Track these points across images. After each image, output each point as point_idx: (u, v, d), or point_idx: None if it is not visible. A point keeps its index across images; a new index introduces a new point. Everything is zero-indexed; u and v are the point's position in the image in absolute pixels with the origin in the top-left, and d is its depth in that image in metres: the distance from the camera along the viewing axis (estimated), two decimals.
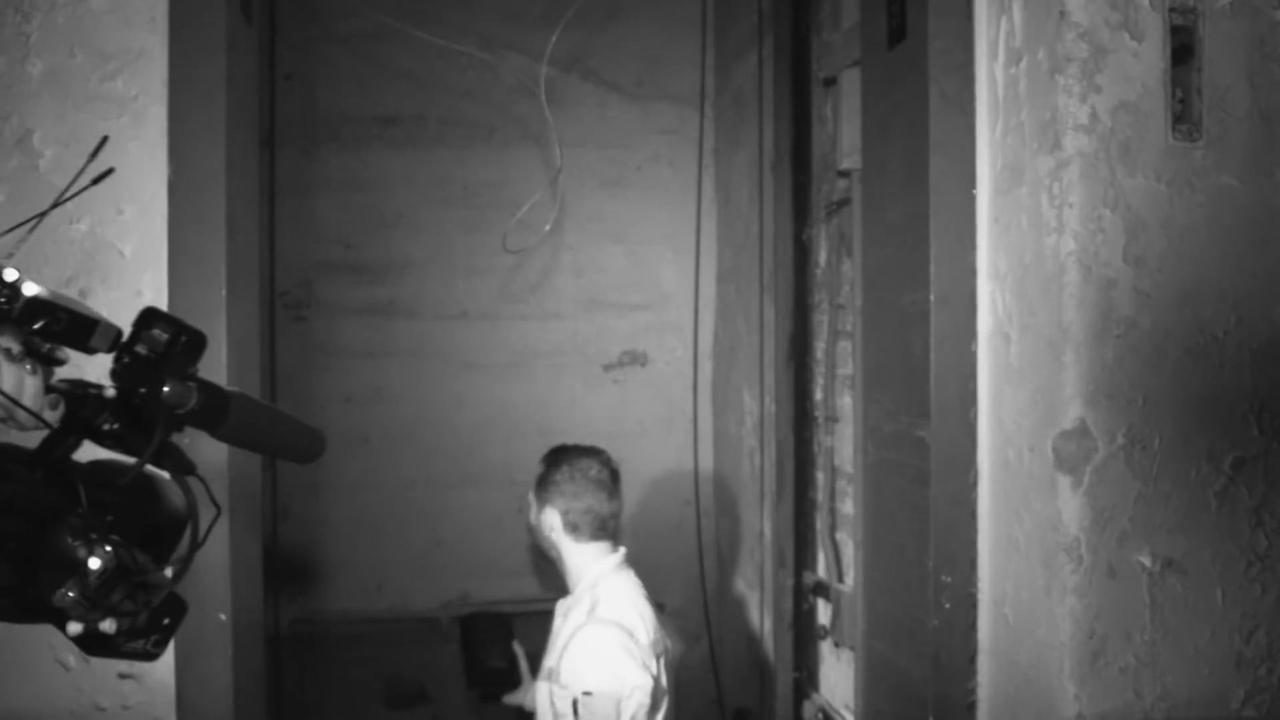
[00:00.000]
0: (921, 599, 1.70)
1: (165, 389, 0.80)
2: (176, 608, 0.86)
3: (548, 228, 2.49)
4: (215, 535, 1.57)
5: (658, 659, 1.93)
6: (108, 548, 0.76)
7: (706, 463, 3.54)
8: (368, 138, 3.42)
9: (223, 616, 1.60)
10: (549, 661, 1.96)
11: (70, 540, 0.75)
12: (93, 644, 0.81)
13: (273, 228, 3.25)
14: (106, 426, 0.81)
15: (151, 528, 0.84)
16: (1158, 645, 1.54)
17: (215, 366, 1.59)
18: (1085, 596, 1.52)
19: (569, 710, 1.83)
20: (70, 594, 0.74)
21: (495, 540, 3.42)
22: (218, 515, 0.91)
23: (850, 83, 2.24)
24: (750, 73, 3.13)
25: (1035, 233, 1.58)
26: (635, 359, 3.60)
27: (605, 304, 3.57)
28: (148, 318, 0.82)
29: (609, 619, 1.89)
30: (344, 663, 3.37)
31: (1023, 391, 1.61)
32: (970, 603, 1.69)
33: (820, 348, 2.61)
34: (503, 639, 2.25)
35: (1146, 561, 1.54)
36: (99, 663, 1.57)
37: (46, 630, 1.58)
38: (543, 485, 2.06)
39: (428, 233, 3.46)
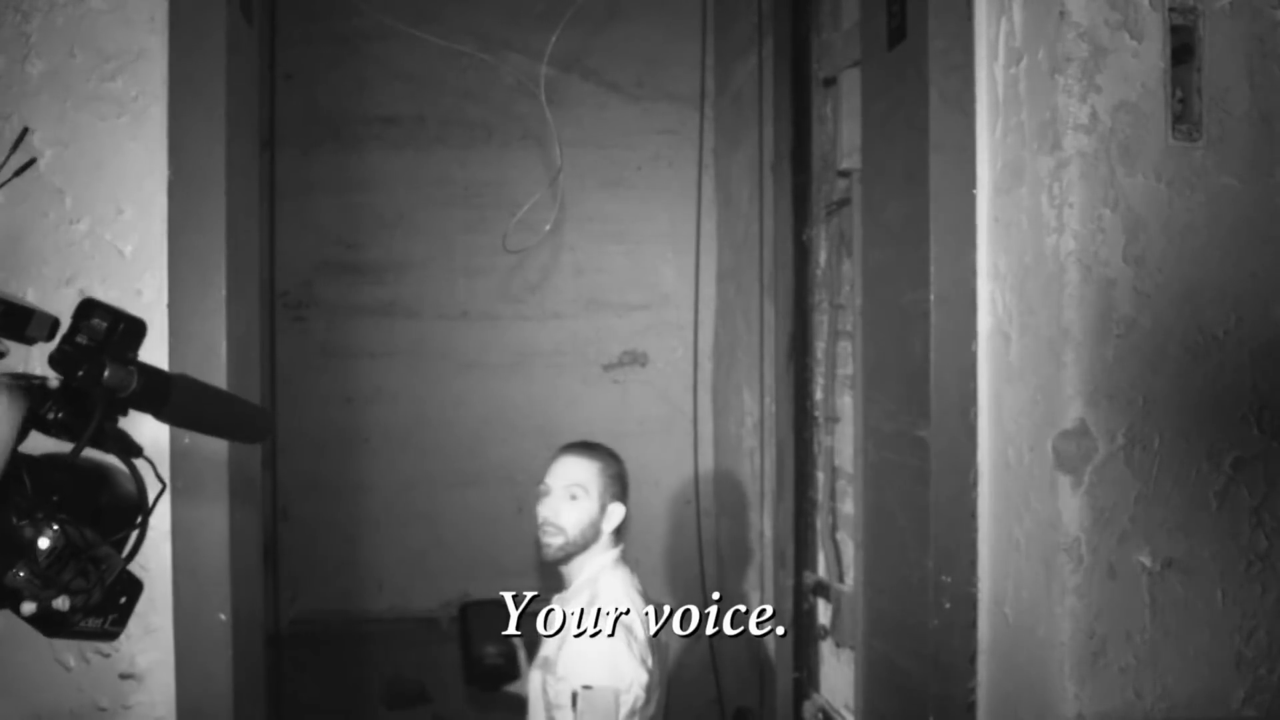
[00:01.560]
0: (921, 599, 1.70)
1: (106, 373, 0.81)
2: (133, 586, 0.88)
3: (548, 228, 2.48)
4: (215, 535, 1.59)
5: (656, 657, 1.94)
6: (55, 526, 0.77)
7: (706, 463, 3.55)
8: (368, 138, 3.43)
9: (223, 616, 1.60)
10: (546, 651, 1.96)
11: (15, 520, 0.76)
12: (50, 624, 0.83)
13: (273, 228, 3.25)
14: (51, 416, 0.82)
15: (102, 510, 0.86)
16: (1158, 645, 1.54)
17: (215, 366, 1.59)
18: (1085, 596, 1.52)
19: (567, 703, 1.83)
20: (20, 574, 0.76)
21: (495, 540, 3.42)
22: (163, 490, 0.92)
23: (850, 83, 2.23)
24: (750, 73, 3.13)
25: (1035, 232, 1.58)
26: (635, 359, 3.60)
27: (605, 304, 3.57)
28: (86, 308, 0.83)
29: (609, 615, 1.90)
30: (344, 663, 3.37)
31: (1023, 391, 1.61)
32: (970, 603, 1.69)
33: (820, 348, 2.61)
34: (501, 628, 2.19)
35: (1146, 561, 1.54)
36: (99, 663, 1.57)
37: None
38: (619, 482, 2.06)
39: (428, 233, 3.46)
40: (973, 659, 1.69)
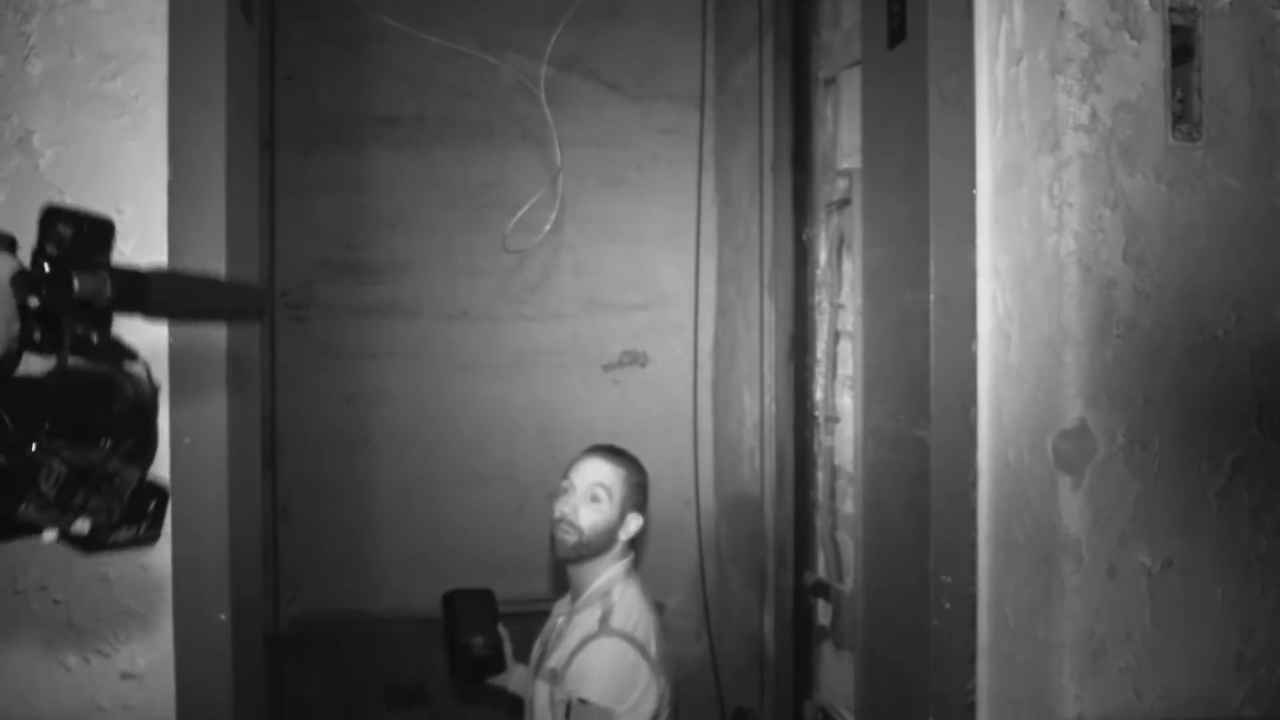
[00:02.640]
0: (921, 599, 1.70)
1: (75, 286, 0.78)
2: (158, 492, 0.85)
3: (548, 228, 2.48)
4: (216, 536, 1.59)
5: (665, 673, 1.91)
6: (53, 454, 0.75)
7: (706, 463, 3.54)
8: (368, 138, 3.43)
9: (223, 616, 1.60)
10: (552, 663, 1.94)
11: (8, 458, 0.73)
12: (79, 545, 0.80)
13: (273, 228, 3.25)
14: (37, 337, 0.79)
15: (104, 423, 0.84)
16: (1158, 645, 1.55)
17: (215, 365, 1.59)
18: (1085, 596, 1.52)
19: (563, 712, 1.82)
20: (30, 507, 0.73)
21: (496, 540, 3.42)
22: (155, 391, 0.89)
23: (850, 83, 2.23)
24: (750, 73, 3.13)
25: (1035, 232, 1.58)
26: (635, 359, 3.60)
27: (605, 304, 3.57)
28: (50, 216, 0.80)
29: (624, 632, 1.86)
30: (344, 663, 3.37)
31: (1023, 391, 1.61)
32: (970, 603, 1.69)
33: (820, 348, 2.61)
34: (487, 619, 2.15)
35: (1146, 561, 1.54)
36: (99, 663, 1.57)
37: (47, 631, 1.58)
38: (641, 492, 2.04)
39: (428, 233, 3.46)
40: (973, 659, 1.69)
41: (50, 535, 0.76)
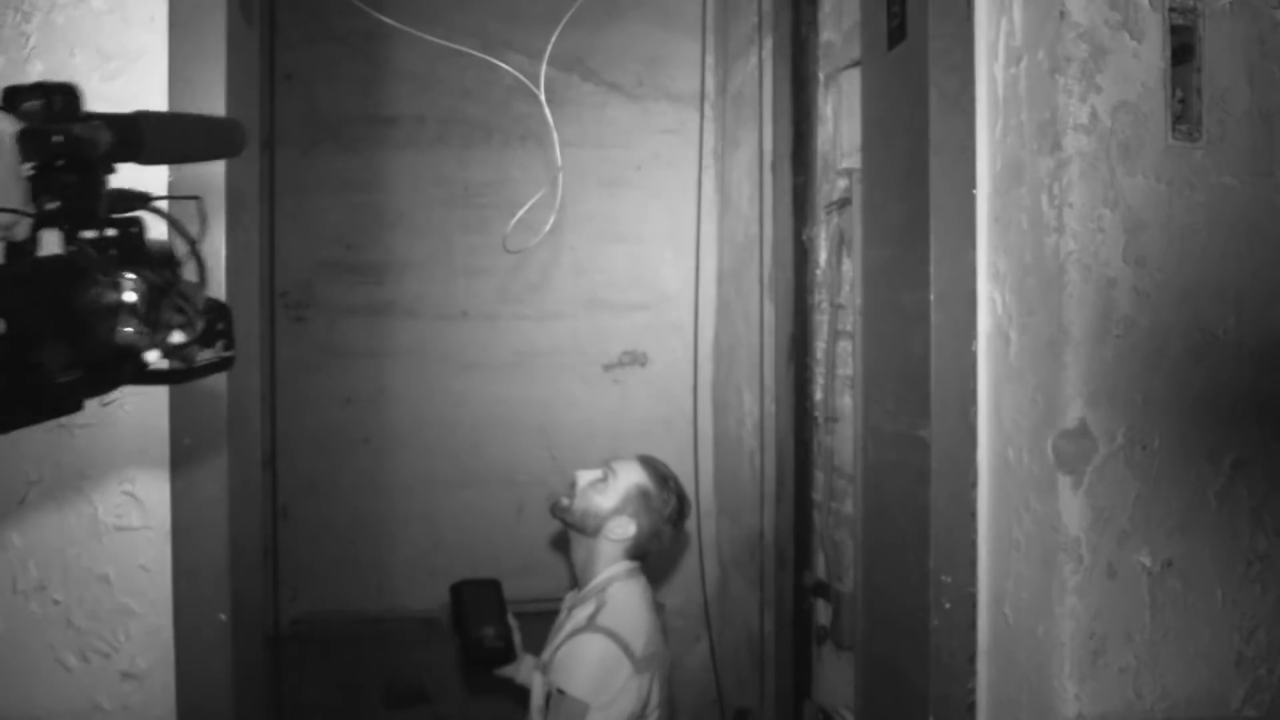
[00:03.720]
0: (921, 599, 1.70)
1: (76, 131, 0.79)
2: (222, 311, 0.88)
3: (548, 228, 2.48)
4: (215, 535, 1.59)
5: (653, 675, 1.92)
6: (130, 275, 0.77)
7: (706, 463, 3.55)
8: (368, 138, 3.43)
9: (223, 616, 1.60)
10: (546, 654, 1.97)
11: (95, 289, 0.75)
12: (176, 372, 0.83)
13: (273, 228, 3.25)
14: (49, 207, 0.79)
15: (151, 256, 0.85)
16: (1158, 645, 1.55)
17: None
18: (1085, 596, 1.52)
19: (543, 702, 1.85)
20: (128, 329, 0.76)
21: (496, 540, 3.42)
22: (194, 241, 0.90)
23: (850, 83, 2.24)
24: (750, 73, 3.13)
25: (1035, 233, 1.58)
26: (635, 359, 3.60)
27: (605, 304, 3.57)
28: (9, 94, 0.80)
29: (607, 628, 1.88)
30: (344, 663, 3.37)
31: (1023, 391, 1.61)
32: (970, 603, 1.69)
33: (820, 348, 2.61)
34: (497, 609, 2.14)
35: (1146, 561, 1.54)
36: (100, 663, 1.57)
37: (47, 631, 1.58)
38: (645, 500, 2.01)
39: (428, 233, 3.46)
40: (973, 659, 1.69)
41: (154, 355, 0.78)
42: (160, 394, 1.57)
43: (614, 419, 3.54)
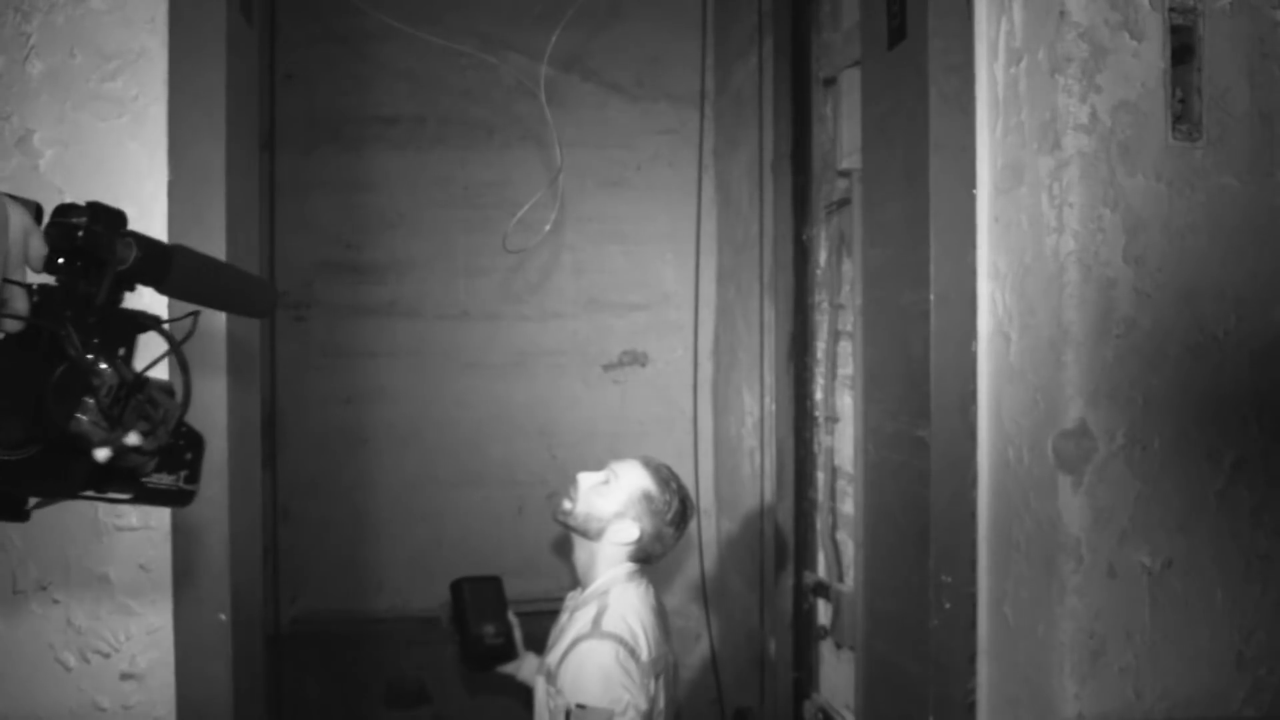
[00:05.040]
0: (921, 599, 1.70)
1: (104, 237, 0.80)
2: (196, 441, 0.88)
3: (548, 228, 2.48)
4: (215, 535, 1.59)
5: (657, 678, 1.90)
6: (103, 365, 0.78)
7: (706, 463, 3.55)
8: (368, 138, 3.43)
9: (223, 616, 1.60)
10: (550, 659, 1.95)
11: (66, 371, 0.76)
12: (125, 478, 0.83)
13: (273, 228, 3.25)
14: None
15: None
16: (1158, 645, 1.54)
17: (215, 366, 1.59)
18: (1085, 596, 1.52)
19: (562, 718, 1.82)
20: (85, 416, 0.76)
21: (496, 540, 3.42)
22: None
23: (850, 83, 2.24)
24: (750, 73, 3.13)
25: (1035, 232, 1.58)
26: (635, 359, 3.60)
27: (605, 304, 3.57)
28: (62, 210, 0.82)
29: (612, 633, 1.86)
30: (344, 663, 3.37)
31: (1023, 391, 1.61)
32: (970, 603, 1.69)
33: (820, 348, 2.61)
34: (497, 606, 2.14)
35: (1146, 561, 1.54)
36: (99, 663, 1.57)
37: (47, 631, 1.58)
38: (648, 502, 1.99)
39: (428, 233, 3.46)
40: (973, 659, 1.69)
41: (103, 453, 0.78)
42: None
43: (614, 419, 3.54)
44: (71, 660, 1.57)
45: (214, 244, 1.59)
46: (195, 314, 0.90)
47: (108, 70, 1.58)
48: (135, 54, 1.58)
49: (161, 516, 1.58)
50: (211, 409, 1.59)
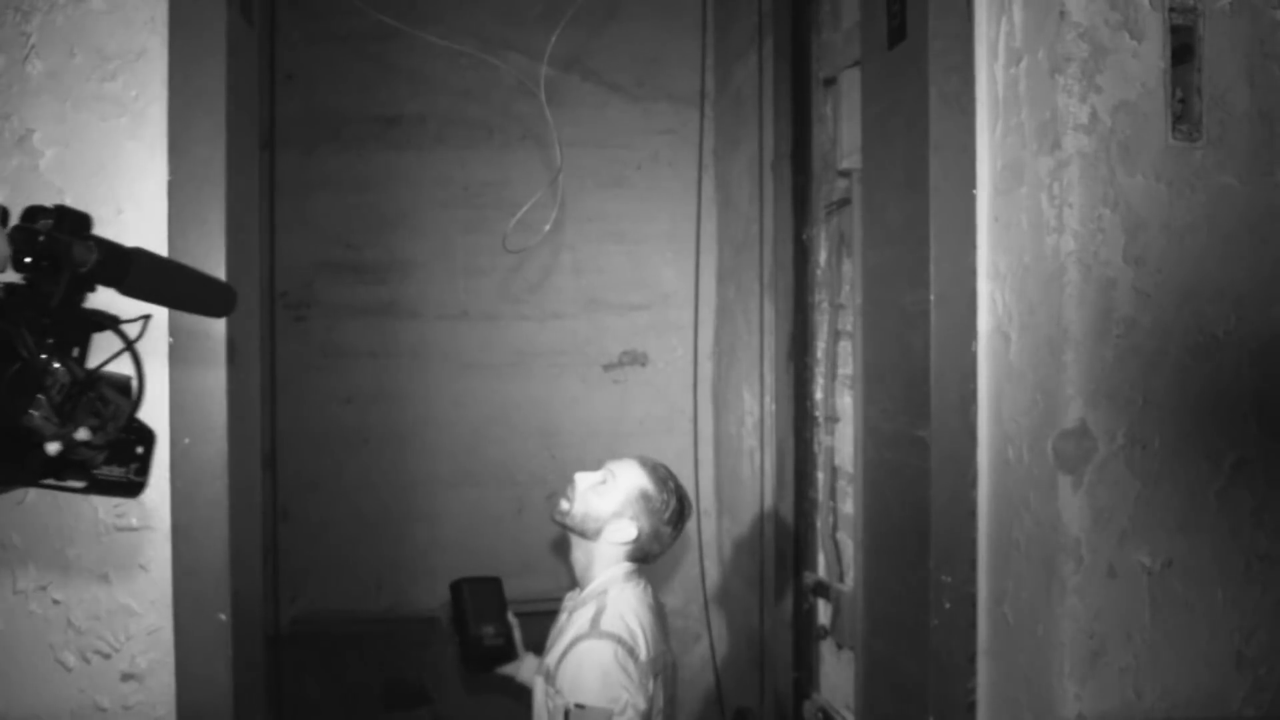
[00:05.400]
0: (921, 599, 1.70)
1: (73, 249, 0.85)
2: (146, 436, 0.94)
3: (548, 228, 2.48)
4: (215, 535, 1.59)
5: (656, 677, 1.90)
6: (55, 364, 0.83)
7: (706, 463, 3.55)
8: (368, 138, 3.43)
9: (223, 616, 1.60)
10: (548, 660, 1.95)
11: (19, 368, 0.80)
12: (75, 469, 0.88)
13: (273, 228, 3.25)
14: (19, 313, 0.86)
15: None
16: (1158, 645, 1.55)
17: (215, 366, 1.59)
18: (1085, 596, 1.52)
19: (561, 718, 1.82)
20: (37, 411, 0.81)
21: (496, 539, 3.42)
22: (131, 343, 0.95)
23: (850, 83, 2.24)
24: (750, 73, 3.13)
25: (1035, 232, 1.58)
26: (635, 359, 3.60)
27: (605, 304, 3.57)
28: (30, 214, 0.87)
29: (610, 632, 1.86)
30: (344, 663, 3.37)
31: (1023, 391, 1.61)
32: (970, 603, 1.69)
33: (820, 348, 2.61)
34: (497, 607, 2.13)
35: (1146, 561, 1.54)
36: (99, 663, 1.57)
37: (47, 631, 1.58)
38: (646, 502, 1.98)
39: (428, 233, 3.46)
40: (972, 659, 1.69)
41: (54, 447, 0.83)
42: (160, 394, 1.57)
43: (614, 419, 3.54)
44: (71, 660, 1.57)
45: (214, 244, 1.59)
46: (147, 317, 0.95)
47: (108, 70, 1.58)
48: (135, 54, 1.58)
49: (162, 516, 1.58)
50: (211, 409, 1.59)
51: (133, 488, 0.95)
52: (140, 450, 0.94)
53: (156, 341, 1.56)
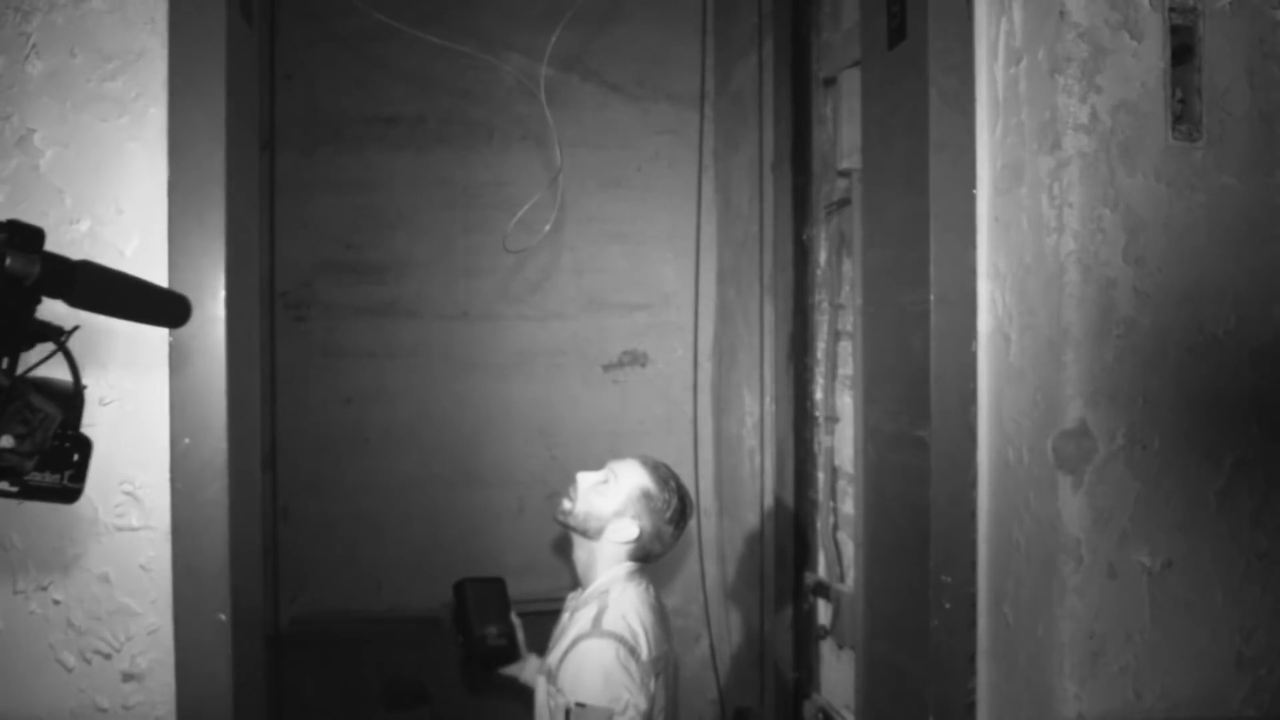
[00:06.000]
0: (921, 599, 1.70)
1: (7, 261, 0.87)
2: (83, 444, 0.97)
3: (548, 228, 2.48)
4: (215, 535, 1.59)
5: (658, 676, 1.90)
6: None
7: (706, 463, 3.55)
8: (368, 138, 3.43)
9: (223, 616, 1.60)
10: (550, 659, 1.95)
11: None
12: (7, 476, 0.91)
13: (273, 228, 3.25)
14: None
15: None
16: (1158, 645, 1.55)
17: (215, 366, 1.59)
18: (1085, 596, 1.52)
19: (562, 717, 1.82)
20: None
21: (496, 540, 3.42)
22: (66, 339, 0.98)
23: (850, 83, 2.24)
24: (750, 73, 3.13)
25: (1035, 233, 1.58)
26: (635, 359, 3.60)
27: (605, 304, 3.57)
28: None
29: (612, 632, 1.86)
30: (344, 663, 3.37)
31: (1023, 391, 1.61)
32: (970, 603, 1.69)
33: (820, 348, 2.61)
34: (500, 608, 2.12)
35: (1146, 561, 1.54)
36: (99, 663, 1.57)
37: (47, 631, 1.58)
38: (647, 501, 1.98)
39: (428, 233, 3.46)
40: (972, 659, 1.69)
41: None
42: (160, 395, 1.57)
43: (614, 419, 3.54)
44: (71, 660, 1.57)
45: (214, 244, 1.59)
46: (75, 328, 0.98)
47: (108, 70, 1.58)
48: (135, 54, 1.58)
49: (162, 516, 1.58)
50: (211, 409, 1.59)
51: (68, 494, 0.97)
52: (77, 458, 0.97)
53: (157, 341, 1.56)
